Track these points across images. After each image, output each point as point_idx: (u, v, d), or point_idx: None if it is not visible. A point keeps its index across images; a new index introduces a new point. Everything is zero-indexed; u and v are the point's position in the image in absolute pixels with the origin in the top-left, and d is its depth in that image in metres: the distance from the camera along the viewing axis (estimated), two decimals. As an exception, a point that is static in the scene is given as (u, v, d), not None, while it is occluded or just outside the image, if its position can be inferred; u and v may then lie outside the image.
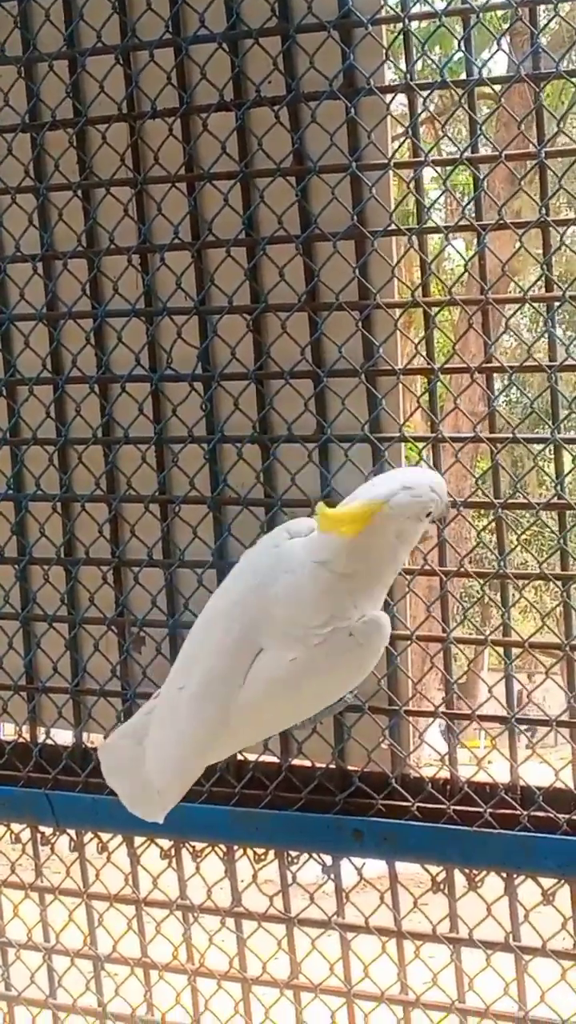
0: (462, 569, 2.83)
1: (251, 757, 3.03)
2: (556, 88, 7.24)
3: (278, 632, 2.45)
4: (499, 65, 2.83)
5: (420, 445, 2.89)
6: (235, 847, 3.06)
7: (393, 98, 2.88)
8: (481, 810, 2.77)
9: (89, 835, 3.24)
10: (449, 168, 2.87)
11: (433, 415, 2.86)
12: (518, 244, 2.76)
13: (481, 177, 2.79)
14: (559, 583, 2.74)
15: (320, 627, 2.42)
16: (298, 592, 2.44)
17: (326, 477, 2.92)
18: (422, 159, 2.84)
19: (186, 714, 2.52)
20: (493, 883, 2.84)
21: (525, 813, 2.74)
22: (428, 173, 2.91)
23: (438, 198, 3.70)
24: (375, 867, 3.01)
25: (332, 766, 2.95)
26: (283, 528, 2.56)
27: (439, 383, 2.85)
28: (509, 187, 2.82)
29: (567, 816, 2.71)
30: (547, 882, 2.78)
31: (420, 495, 2.43)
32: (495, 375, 2.81)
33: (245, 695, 2.45)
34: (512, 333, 3.20)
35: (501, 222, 2.73)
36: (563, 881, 2.75)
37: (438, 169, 2.91)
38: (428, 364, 2.85)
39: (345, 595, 2.43)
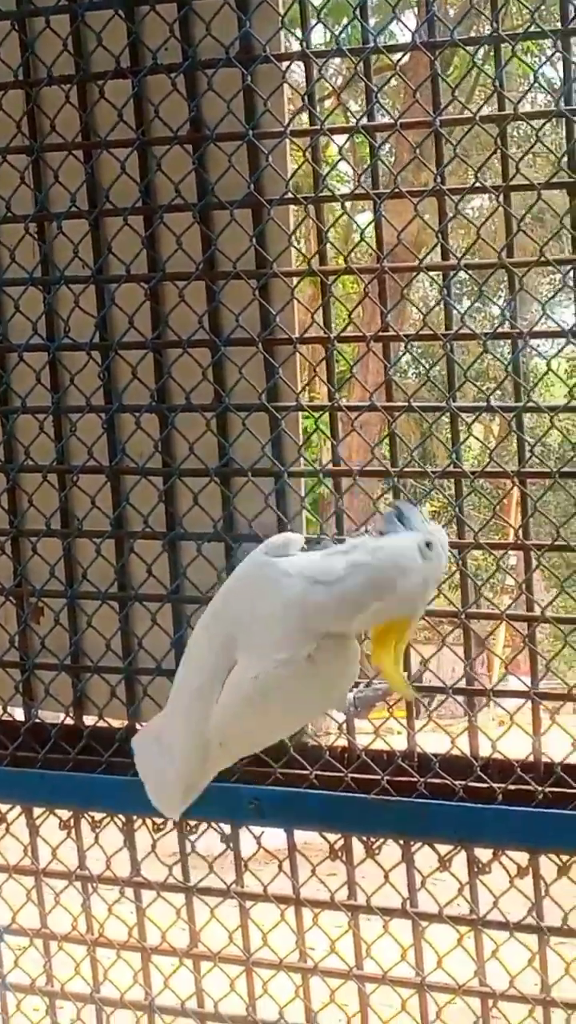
0: (359, 537, 2.84)
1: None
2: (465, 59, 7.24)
3: (250, 648, 2.36)
4: (405, 34, 2.80)
5: (317, 414, 2.89)
6: (134, 817, 3.05)
7: (289, 66, 2.87)
8: (378, 777, 2.78)
9: (-14, 806, 3.23)
10: (345, 137, 2.87)
11: (330, 384, 2.87)
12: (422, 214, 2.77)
13: (377, 145, 2.80)
14: (455, 551, 2.74)
15: (283, 647, 2.31)
16: (274, 608, 2.32)
17: (224, 446, 2.92)
18: (318, 127, 2.84)
19: (174, 728, 2.50)
20: (391, 851, 2.85)
21: (422, 780, 2.76)
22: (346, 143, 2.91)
23: (333, 167, 3.70)
24: (275, 836, 3.01)
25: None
26: (263, 546, 2.46)
27: (365, 352, 2.85)
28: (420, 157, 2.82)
29: (463, 783, 2.72)
30: (444, 848, 2.80)
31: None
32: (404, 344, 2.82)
33: (216, 712, 2.38)
34: (410, 303, 3.19)
35: (396, 191, 2.74)
36: (459, 847, 2.77)
37: (336, 139, 2.91)
38: (324, 333, 2.85)
39: (331, 620, 2.30)
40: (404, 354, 2.80)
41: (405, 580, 2.22)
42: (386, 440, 2.83)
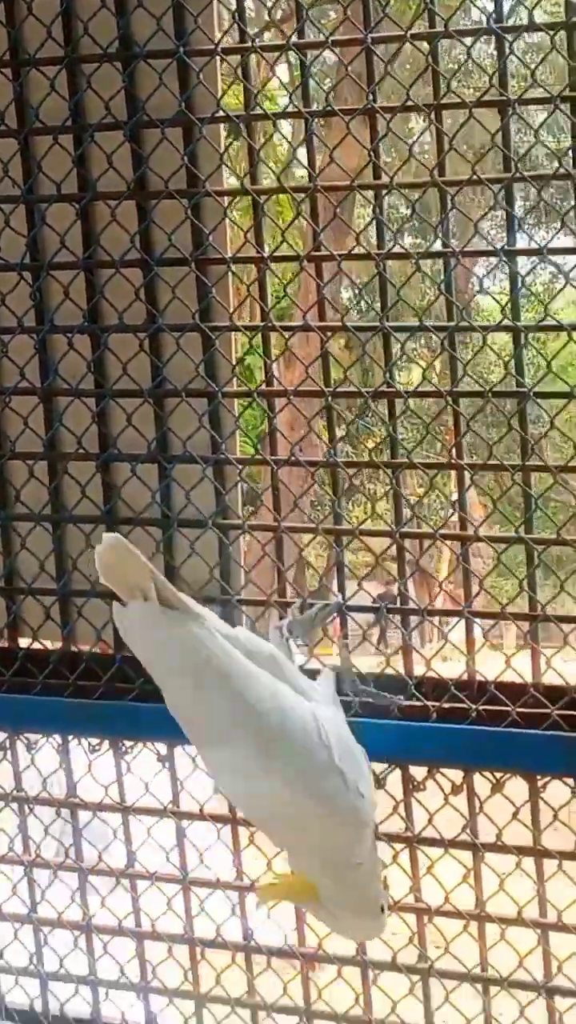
0: (292, 459, 2.84)
1: (84, 648, 3.02)
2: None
3: None
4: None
5: (250, 334, 2.88)
6: (70, 738, 3.05)
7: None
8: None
9: None
10: (278, 57, 2.85)
11: (263, 304, 2.86)
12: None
13: (308, 63, 2.78)
14: (388, 471, 2.75)
15: None
16: None
17: (158, 367, 2.90)
18: (248, 45, 2.81)
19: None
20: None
21: (356, 699, 2.77)
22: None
23: (264, 86, 3.67)
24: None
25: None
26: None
27: (299, 271, 2.83)
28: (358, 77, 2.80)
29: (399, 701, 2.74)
30: (379, 767, 2.82)
31: None
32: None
33: None
34: (343, 223, 3.18)
35: (328, 108, 2.73)
36: (394, 765, 2.79)
37: (267, 56, 2.89)
38: (258, 253, 2.83)
39: None
40: (337, 274, 2.78)
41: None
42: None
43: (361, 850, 2.26)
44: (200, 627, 2.12)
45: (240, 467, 2.89)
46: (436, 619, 3.12)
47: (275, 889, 2.24)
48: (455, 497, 2.78)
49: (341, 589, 2.84)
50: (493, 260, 2.69)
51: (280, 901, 2.33)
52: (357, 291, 2.77)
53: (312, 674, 2.41)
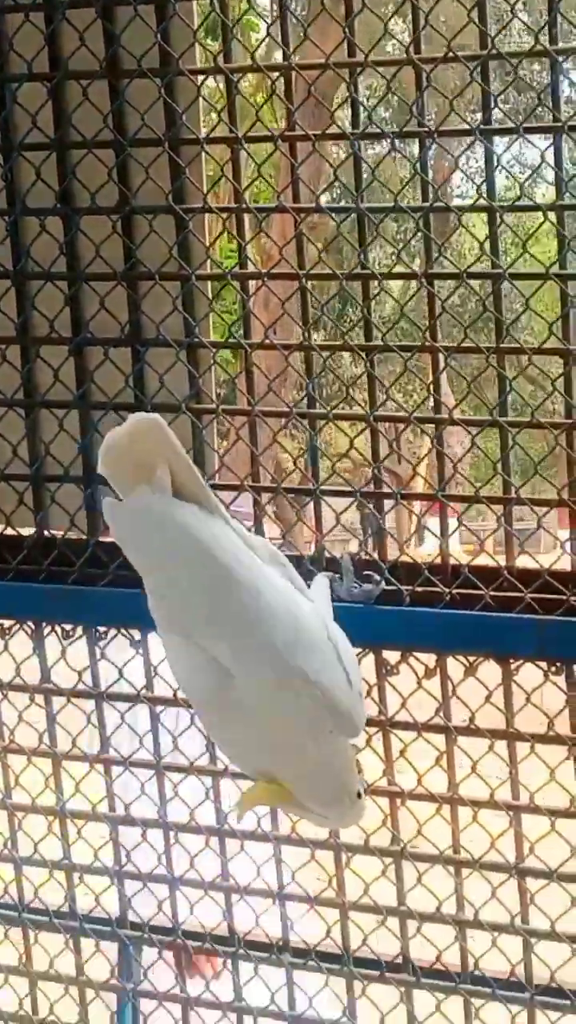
0: (266, 341, 2.82)
1: (57, 534, 3.01)
2: None
3: None
4: None
5: (224, 216, 2.85)
6: (43, 624, 3.05)
7: None
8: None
9: None
10: None
11: (236, 183, 2.83)
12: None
13: None
14: (362, 354, 2.73)
15: None
16: None
17: (131, 249, 2.87)
18: None
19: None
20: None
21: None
22: None
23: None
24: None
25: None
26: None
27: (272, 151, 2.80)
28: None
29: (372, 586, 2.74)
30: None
31: None
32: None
33: None
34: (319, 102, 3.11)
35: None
36: (368, 650, 2.79)
37: None
38: (232, 132, 2.80)
39: None
40: (313, 153, 2.75)
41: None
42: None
43: (348, 752, 2.25)
44: (217, 522, 2.08)
45: (214, 350, 2.87)
46: (415, 508, 3.11)
47: (250, 797, 2.19)
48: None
49: (315, 475, 2.83)
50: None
51: (256, 806, 2.32)
52: (332, 171, 2.72)
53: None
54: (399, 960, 2.85)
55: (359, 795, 2.27)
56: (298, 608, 2.14)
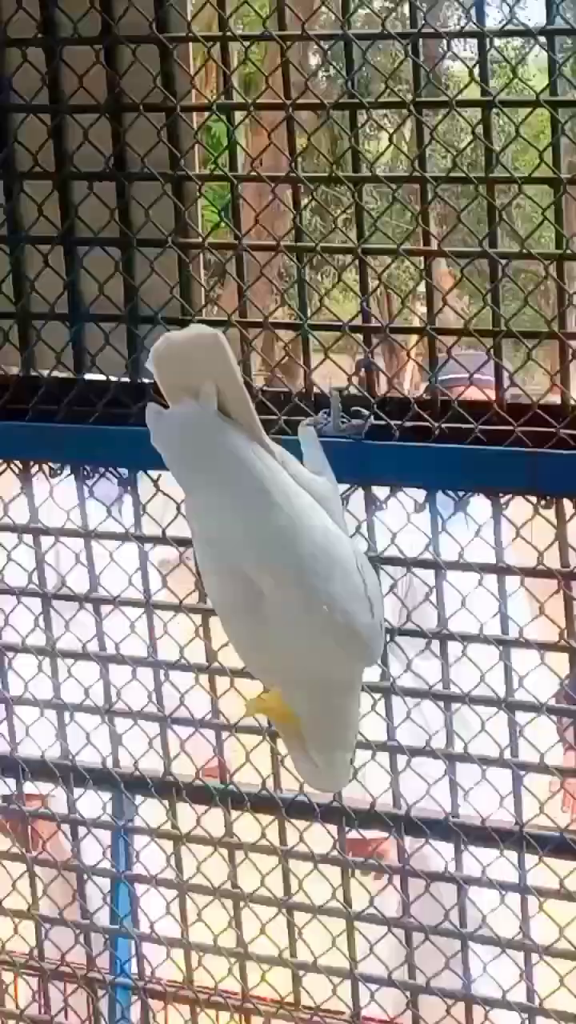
0: (253, 174, 2.78)
1: (44, 373, 2.98)
2: None
3: None
4: None
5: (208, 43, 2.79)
6: (31, 464, 3.03)
7: None
8: (275, 417, 2.77)
9: None
10: None
11: (221, 11, 2.76)
12: None
13: None
14: (350, 184, 2.69)
15: None
16: None
17: (114, 80, 2.82)
18: None
19: None
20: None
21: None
22: None
23: None
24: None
25: (127, 380, 2.92)
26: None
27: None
28: None
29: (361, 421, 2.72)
30: (341, 487, 2.82)
31: None
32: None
33: None
34: None
35: None
36: (357, 486, 2.78)
37: None
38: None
39: None
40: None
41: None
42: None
43: (358, 702, 2.25)
44: (257, 442, 2.08)
45: (199, 182, 2.82)
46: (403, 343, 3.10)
47: (262, 703, 2.19)
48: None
49: (302, 308, 2.79)
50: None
51: (263, 714, 2.33)
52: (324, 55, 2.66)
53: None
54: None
55: (352, 761, 2.28)
56: (332, 536, 2.14)
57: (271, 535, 2.06)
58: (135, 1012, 3.30)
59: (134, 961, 3.22)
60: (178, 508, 2.89)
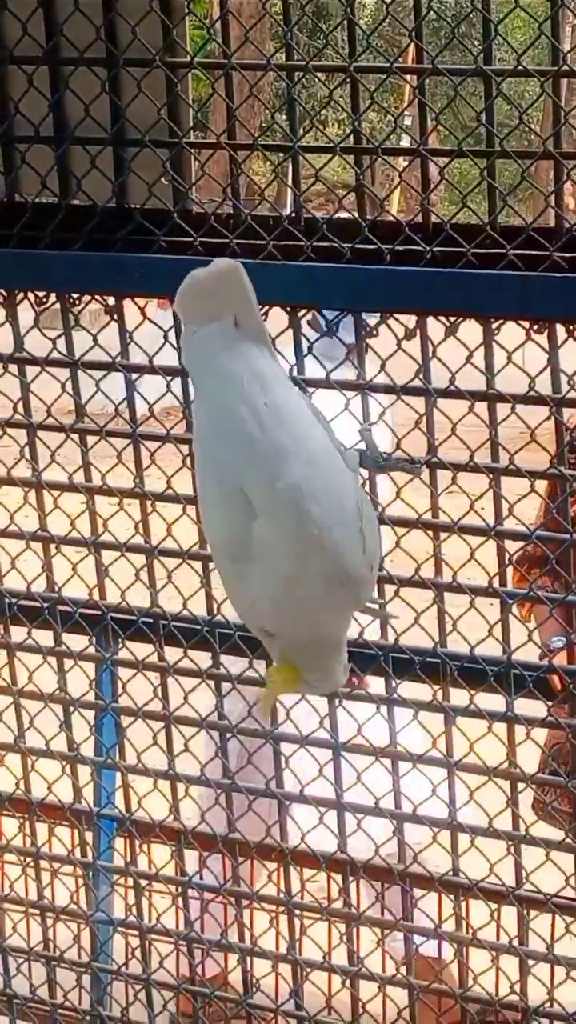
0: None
1: (29, 198, 2.92)
2: None
3: None
4: None
5: None
6: (15, 292, 2.98)
7: None
8: (264, 242, 2.73)
9: None
10: None
11: None
12: None
13: None
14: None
15: None
16: None
17: None
18: None
19: None
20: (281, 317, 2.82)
21: (309, 244, 2.70)
22: None
23: None
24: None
25: (112, 205, 2.86)
26: None
27: None
28: None
29: (351, 245, 2.67)
30: (331, 314, 2.79)
31: None
32: None
33: None
34: None
35: None
36: (347, 312, 2.75)
37: None
38: None
39: None
40: None
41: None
42: None
43: (347, 620, 2.24)
44: (272, 356, 2.10)
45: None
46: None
47: (270, 691, 2.24)
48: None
49: (292, 130, 2.73)
50: None
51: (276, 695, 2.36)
52: None
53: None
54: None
55: (347, 663, 2.25)
56: (333, 459, 2.11)
57: (273, 451, 2.03)
58: (120, 844, 3.31)
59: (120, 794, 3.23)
60: (165, 337, 2.86)
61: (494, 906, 2.96)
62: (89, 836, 3.29)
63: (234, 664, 2.99)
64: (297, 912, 3.08)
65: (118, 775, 3.21)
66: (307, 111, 2.78)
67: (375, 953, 3.21)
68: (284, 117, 2.81)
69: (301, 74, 2.73)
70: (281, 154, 2.77)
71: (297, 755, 2.99)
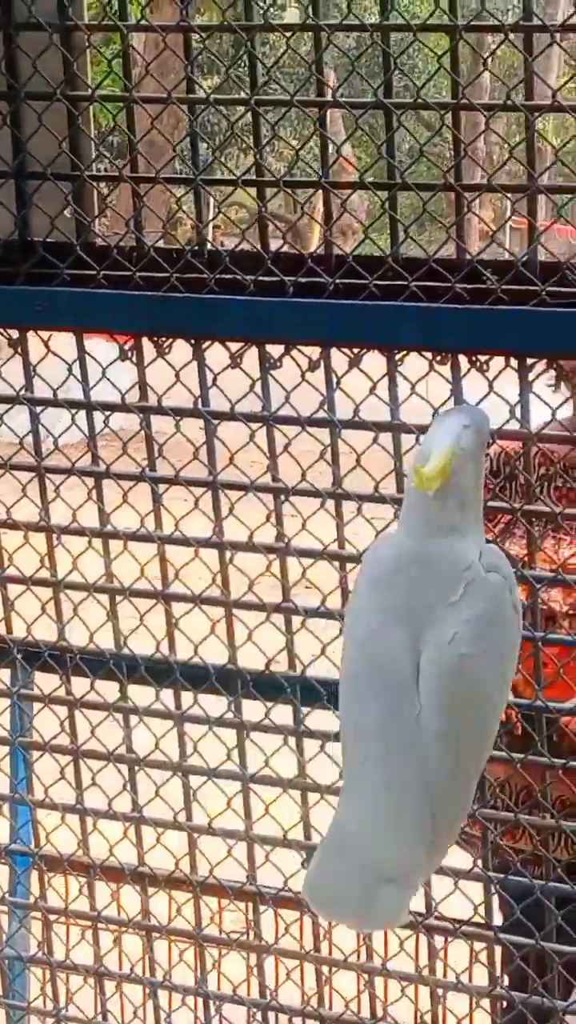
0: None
1: None
2: None
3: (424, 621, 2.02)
4: None
5: None
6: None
7: None
8: (168, 275, 2.73)
9: None
10: None
11: None
12: None
13: None
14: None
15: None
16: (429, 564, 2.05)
17: None
18: None
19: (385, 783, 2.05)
20: (182, 348, 2.82)
21: (212, 276, 2.71)
22: None
23: None
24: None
25: (15, 238, 2.86)
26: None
27: None
28: None
29: (253, 277, 2.68)
30: (235, 346, 2.79)
31: (481, 428, 2.12)
32: None
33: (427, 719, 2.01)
34: None
35: None
36: (250, 344, 2.75)
37: None
38: None
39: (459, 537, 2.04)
40: None
41: None
42: None
43: None
44: None
45: (88, 33, 2.76)
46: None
47: None
48: None
49: (195, 162, 2.74)
50: None
51: None
52: None
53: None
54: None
55: None
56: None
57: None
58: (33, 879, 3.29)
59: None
60: (70, 370, 2.85)
61: (404, 935, 2.96)
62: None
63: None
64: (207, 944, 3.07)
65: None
66: (209, 144, 2.77)
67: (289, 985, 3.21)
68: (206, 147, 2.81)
69: (203, 107, 2.73)
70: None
71: (205, 787, 2.98)
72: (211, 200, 2.79)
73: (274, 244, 2.76)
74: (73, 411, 2.89)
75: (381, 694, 2.01)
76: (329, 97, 2.64)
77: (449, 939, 2.92)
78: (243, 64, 2.80)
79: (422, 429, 2.64)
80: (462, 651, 1.98)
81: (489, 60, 6.29)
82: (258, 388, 2.78)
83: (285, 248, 2.73)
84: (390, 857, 2.02)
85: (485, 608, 2.00)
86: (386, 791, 2.01)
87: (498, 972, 2.89)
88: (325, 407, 2.74)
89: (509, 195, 2.61)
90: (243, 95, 2.67)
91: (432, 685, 1.98)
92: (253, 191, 2.77)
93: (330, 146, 2.71)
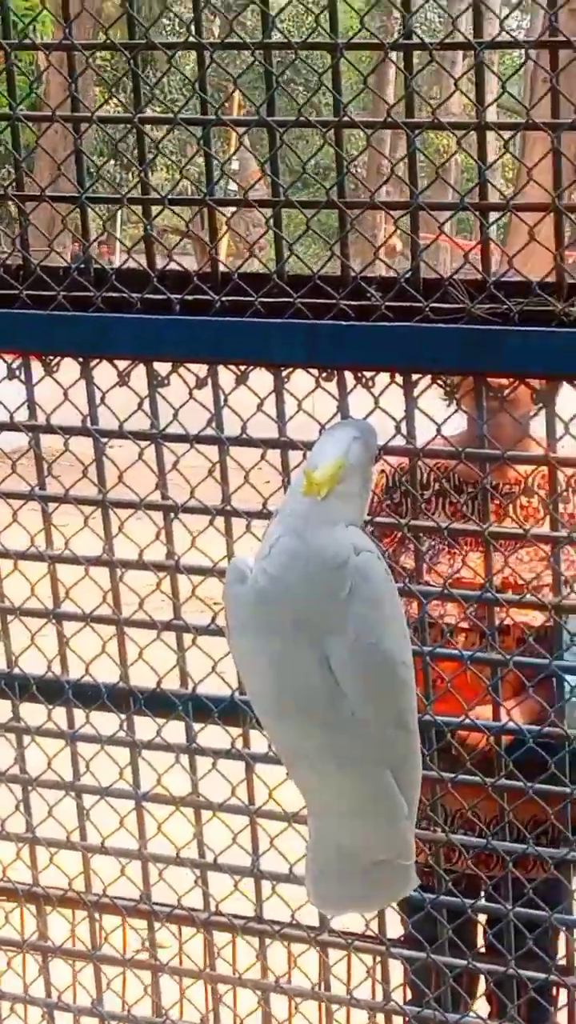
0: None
1: None
2: None
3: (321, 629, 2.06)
4: None
5: None
6: None
7: None
8: (54, 293, 2.72)
9: None
10: None
11: None
12: None
13: None
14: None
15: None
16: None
17: None
18: None
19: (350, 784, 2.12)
20: (70, 367, 2.81)
21: (98, 294, 2.70)
22: None
23: None
24: None
25: None
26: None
27: None
28: None
29: (140, 295, 2.68)
30: (122, 364, 2.78)
31: (369, 441, 2.19)
32: None
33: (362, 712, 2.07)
34: None
35: None
36: (137, 362, 2.75)
37: None
38: None
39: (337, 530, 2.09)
40: None
41: None
42: None
43: None
44: None
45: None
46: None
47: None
48: None
49: (80, 181, 2.73)
50: None
51: None
52: None
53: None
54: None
55: None
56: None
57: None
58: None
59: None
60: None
61: (297, 951, 2.96)
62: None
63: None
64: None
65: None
66: (118, 161, 2.77)
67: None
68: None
69: (87, 125, 2.73)
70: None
71: (98, 806, 2.97)
72: (117, 218, 2.76)
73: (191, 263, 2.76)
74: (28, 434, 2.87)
75: (314, 714, 2.06)
76: (212, 116, 2.64)
77: (343, 953, 2.92)
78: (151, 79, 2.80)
79: (309, 445, 2.65)
80: (368, 642, 2.05)
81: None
82: (146, 406, 2.78)
83: (172, 266, 2.72)
84: (382, 839, 2.15)
85: (371, 591, 2.06)
86: (354, 791, 2.11)
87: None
88: (213, 424, 2.73)
89: (391, 212, 2.62)
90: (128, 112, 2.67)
91: (354, 685, 2.05)
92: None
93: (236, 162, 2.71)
